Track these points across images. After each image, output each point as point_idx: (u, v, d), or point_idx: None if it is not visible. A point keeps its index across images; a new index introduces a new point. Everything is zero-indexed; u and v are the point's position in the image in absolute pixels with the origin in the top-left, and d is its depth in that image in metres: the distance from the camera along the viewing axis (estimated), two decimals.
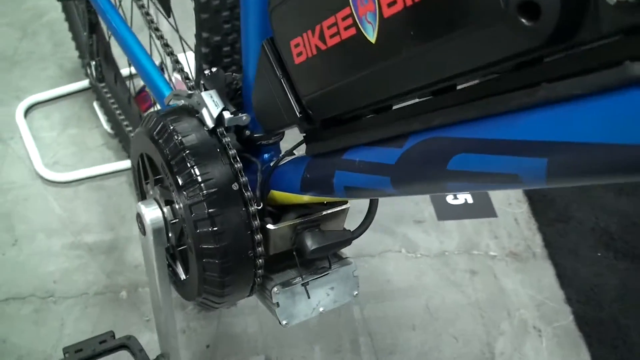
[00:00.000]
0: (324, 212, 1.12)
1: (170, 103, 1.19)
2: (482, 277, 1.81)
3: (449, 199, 1.98)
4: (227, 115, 1.07)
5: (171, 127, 1.07)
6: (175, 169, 1.05)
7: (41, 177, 1.85)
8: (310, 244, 1.08)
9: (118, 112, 1.74)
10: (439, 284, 1.78)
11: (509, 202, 1.99)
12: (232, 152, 1.06)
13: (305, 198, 1.03)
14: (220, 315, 1.65)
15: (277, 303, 1.14)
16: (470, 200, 1.98)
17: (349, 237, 1.12)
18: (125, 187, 1.86)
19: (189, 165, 1.03)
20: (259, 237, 1.05)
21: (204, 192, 1.02)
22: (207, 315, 1.64)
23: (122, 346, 1.31)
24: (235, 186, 1.04)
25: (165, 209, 1.13)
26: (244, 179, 1.05)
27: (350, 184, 0.88)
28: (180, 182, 1.04)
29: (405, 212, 1.93)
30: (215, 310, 1.24)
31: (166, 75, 1.34)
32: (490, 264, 1.84)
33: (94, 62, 1.67)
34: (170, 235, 1.14)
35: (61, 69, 2.14)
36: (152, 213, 1.13)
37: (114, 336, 1.32)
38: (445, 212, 1.94)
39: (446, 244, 1.87)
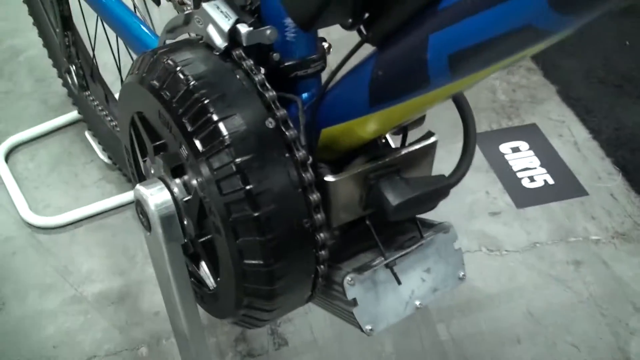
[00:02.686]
0: (404, 151, 0.77)
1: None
2: (590, 267, 1.43)
3: (525, 182, 1.61)
4: (243, 29, 0.74)
5: (168, 61, 0.74)
6: (179, 112, 0.71)
7: (29, 225, 1.51)
8: (392, 197, 0.73)
9: (112, 123, 1.40)
10: (537, 282, 1.40)
11: (598, 176, 1.63)
12: (259, 77, 0.72)
13: (374, 125, 0.68)
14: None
15: (355, 300, 0.77)
16: (550, 181, 1.62)
17: (445, 184, 0.76)
18: (132, 223, 1.52)
19: (198, 103, 0.70)
20: (315, 196, 0.70)
21: (225, 134, 0.68)
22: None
23: None
24: (270, 123, 0.70)
25: (175, 187, 0.78)
26: (281, 113, 0.70)
27: (460, 44, 0.53)
28: (188, 128, 0.70)
29: (475, 204, 1.57)
30: (261, 327, 0.86)
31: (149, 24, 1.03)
32: (595, 249, 1.46)
33: (73, 67, 1.35)
34: (185, 222, 0.79)
35: (45, 104, 1.83)
36: (158, 195, 0.78)
37: None
38: (524, 198, 1.58)
39: (534, 234, 1.50)
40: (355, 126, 0.70)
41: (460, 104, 0.79)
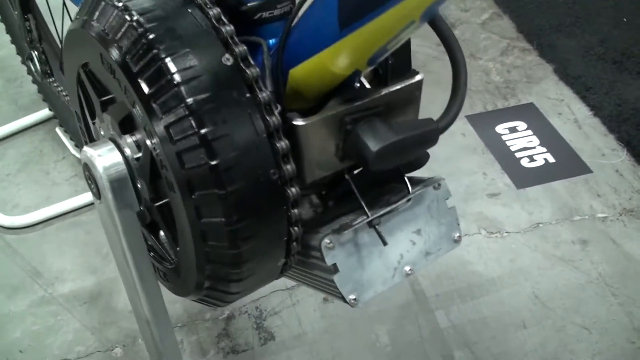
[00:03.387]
0: (385, 92, 0.67)
1: None
2: (597, 245, 1.33)
3: (525, 162, 1.52)
4: None
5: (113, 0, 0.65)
6: (122, 51, 0.62)
7: None
8: (372, 142, 0.63)
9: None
10: (542, 264, 1.30)
11: (602, 153, 1.53)
12: (214, 10, 0.62)
13: (346, 54, 0.59)
14: (256, 356, 1.17)
15: (335, 266, 0.67)
16: (551, 160, 1.52)
17: (432, 127, 0.67)
18: None
19: (143, 38, 0.61)
20: (283, 144, 0.61)
21: (173, 72, 0.59)
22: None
23: None
24: (227, 60, 0.60)
25: (127, 147, 0.69)
26: (240, 48, 0.61)
27: None
28: (133, 68, 0.60)
29: (472, 186, 1.47)
30: (231, 302, 0.74)
31: None
32: (603, 227, 1.36)
33: (35, 52, 1.26)
34: (139, 186, 0.70)
35: (15, 104, 1.74)
36: (107, 156, 0.69)
37: None
38: (525, 179, 1.48)
39: (537, 214, 1.40)
40: (325, 59, 0.61)
41: (448, 39, 0.69)
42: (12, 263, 1.34)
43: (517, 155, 1.54)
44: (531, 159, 1.53)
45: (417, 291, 1.26)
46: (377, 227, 0.68)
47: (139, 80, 0.60)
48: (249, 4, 0.70)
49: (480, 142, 1.58)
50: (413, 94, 0.69)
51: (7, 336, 1.22)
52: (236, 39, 0.62)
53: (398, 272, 0.71)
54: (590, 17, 1.93)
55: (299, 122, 0.63)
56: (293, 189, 0.63)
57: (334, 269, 0.67)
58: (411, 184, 0.73)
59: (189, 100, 0.58)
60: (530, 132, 1.60)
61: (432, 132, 0.66)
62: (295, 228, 0.65)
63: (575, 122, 1.62)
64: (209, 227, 0.61)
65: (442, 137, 1.59)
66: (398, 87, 0.67)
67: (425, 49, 1.82)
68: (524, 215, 1.40)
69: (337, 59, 0.61)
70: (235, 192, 0.60)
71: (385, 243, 0.68)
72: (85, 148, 0.69)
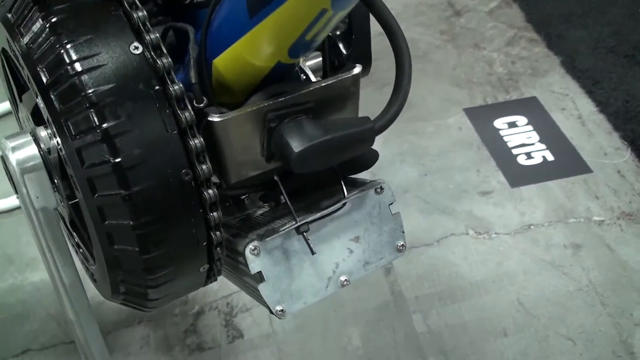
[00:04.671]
0: (315, 86, 0.62)
1: None
2: (591, 250, 1.26)
3: (522, 159, 1.45)
4: None
5: None
6: (24, 37, 0.57)
7: None
8: (296, 141, 0.58)
9: None
10: (530, 268, 1.24)
11: (604, 152, 1.45)
12: None
13: (261, 44, 0.54)
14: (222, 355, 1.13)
15: (260, 274, 0.62)
16: (550, 158, 1.45)
17: (366, 127, 0.61)
18: None
19: (44, 22, 0.56)
20: (197, 142, 0.55)
21: (74, 60, 0.54)
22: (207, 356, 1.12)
23: None
24: (136, 48, 0.55)
25: (43, 140, 0.64)
26: (151, 36, 0.56)
27: None
28: (33, 55, 0.56)
29: (465, 184, 1.40)
30: (156, 308, 0.70)
31: None
32: (598, 231, 1.29)
33: None
34: (56, 181, 0.65)
35: None
36: (22, 150, 0.64)
37: None
38: (520, 177, 1.41)
39: (529, 215, 1.33)
40: (242, 49, 0.56)
41: (390, 26, 0.63)
42: None
43: (514, 151, 1.47)
44: (529, 156, 1.46)
45: (396, 292, 1.20)
46: (305, 234, 0.62)
47: (38, 68, 0.55)
48: None
49: (476, 136, 1.51)
50: (348, 90, 0.63)
51: None
52: (148, 25, 0.57)
53: (332, 282, 0.66)
54: (603, 7, 1.84)
55: (214, 118, 0.58)
56: (210, 191, 0.58)
57: (259, 277, 0.62)
58: (351, 187, 0.67)
59: (90, 91, 0.54)
60: (530, 127, 1.53)
61: (365, 132, 0.60)
62: (217, 232, 0.61)
63: (579, 119, 1.54)
64: (115, 229, 0.57)
65: (437, 130, 1.52)
66: (329, 82, 0.62)
67: (427, 37, 1.75)
68: (515, 216, 1.33)
69: (253, 49, 0.55)
70: (141, 193, 0.55)
71: (313, 252, 0.62)
72: (3, 140, 0.65)
